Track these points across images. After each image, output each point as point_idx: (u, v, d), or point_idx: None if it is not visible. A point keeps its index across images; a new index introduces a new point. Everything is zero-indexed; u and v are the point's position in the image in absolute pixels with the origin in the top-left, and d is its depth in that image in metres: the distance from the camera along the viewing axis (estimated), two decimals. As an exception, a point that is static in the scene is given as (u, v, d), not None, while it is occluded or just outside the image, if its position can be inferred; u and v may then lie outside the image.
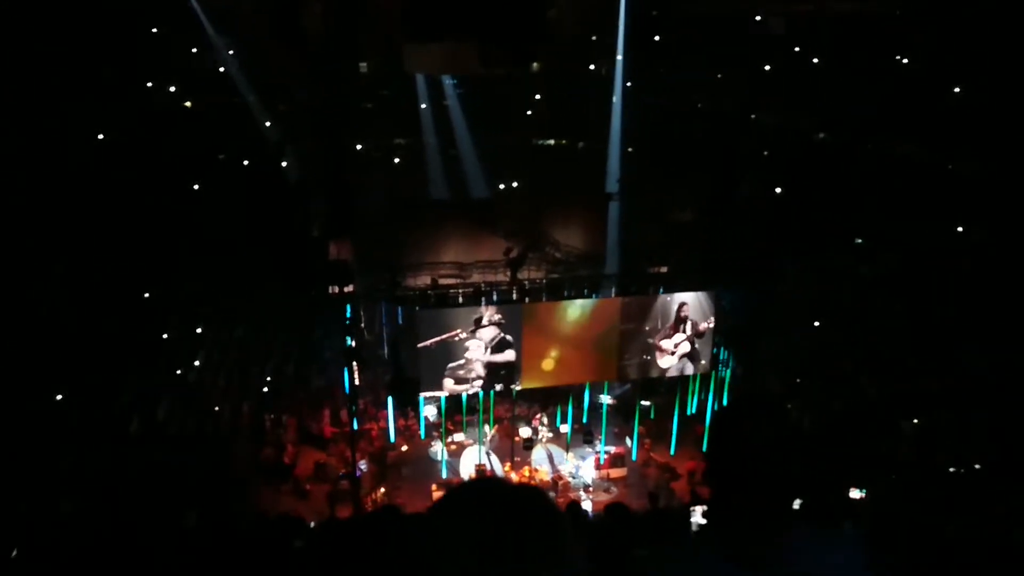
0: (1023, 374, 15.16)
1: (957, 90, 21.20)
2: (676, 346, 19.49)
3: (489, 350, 18.75)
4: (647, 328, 19.29)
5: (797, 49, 25.80)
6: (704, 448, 18.53)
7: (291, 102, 25.73)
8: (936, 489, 13.34)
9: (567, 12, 26.04)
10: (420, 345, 18.32)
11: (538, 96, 28.10)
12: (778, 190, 24.66)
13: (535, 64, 26.57)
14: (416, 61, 17.96)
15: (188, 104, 24.86)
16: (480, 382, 19.12)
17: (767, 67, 25.94)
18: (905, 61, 23.25)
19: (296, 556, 5.86)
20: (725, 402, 20.74)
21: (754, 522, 1.87)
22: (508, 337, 18.79)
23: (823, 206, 22.23)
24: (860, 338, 19.73)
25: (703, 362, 19.95)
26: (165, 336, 18.99)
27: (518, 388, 19.84)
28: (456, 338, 18.43)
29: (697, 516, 8.68)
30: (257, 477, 18.05)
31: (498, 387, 19.63)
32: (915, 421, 16.33)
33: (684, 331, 19.47)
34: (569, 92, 27.17)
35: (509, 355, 18.99)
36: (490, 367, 18.92)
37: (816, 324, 21.31)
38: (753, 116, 25.86)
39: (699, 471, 19.09)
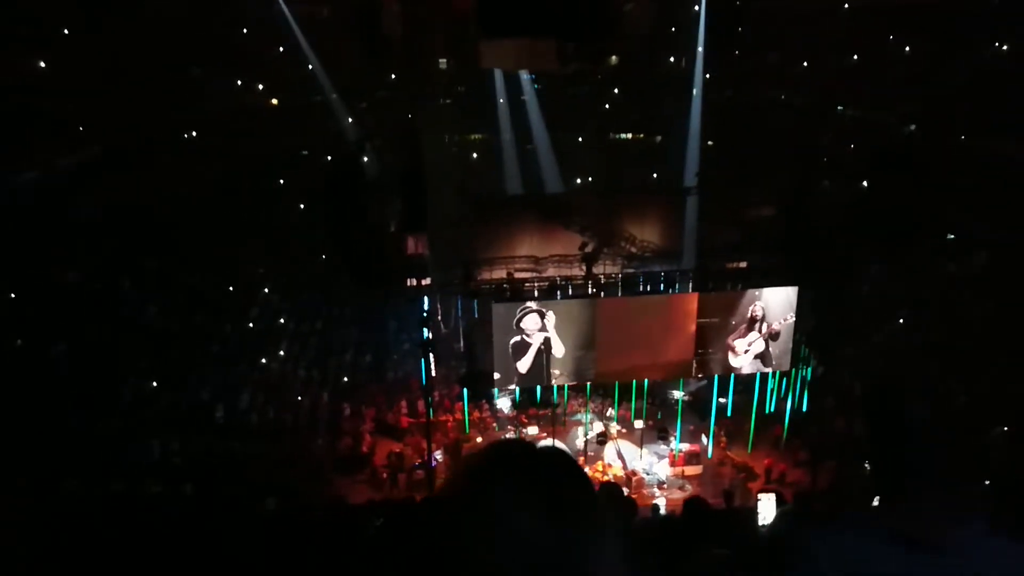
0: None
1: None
2: (749, 345, 19.10)
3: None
4: (732, 323, 19.01)
5: (887, 39, 24.92)
6: (782, 446, 17.98)
7: (371, 100, 26.29)
8: None
9: (645, 5, 25.77)
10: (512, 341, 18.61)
11: (616, 91, 27.93)
12: (863, 184, 23.86)
13: (613, 59, 26.43)
14: (492, 57, 17.99)
15: (274, 102, 25.71)
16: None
17: (854, 57, 25.14)
18: (1003, 49, 22.18)
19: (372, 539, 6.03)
20: (805, 401, 20.23)
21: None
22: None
23: (910, 202, 21.39)
24: (948, 339, 18.90)
25: (776, 364, 19.53)
26: (249, 327, 19.67)
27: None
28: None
29: (766, 507, 8.23)
30: (335, 466, 18.53)
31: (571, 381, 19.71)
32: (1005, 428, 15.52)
33: (758, 331, 19.06)
34: (647, 86, 26.92)
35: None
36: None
37: (902, 323, 20.54)
38: (839, 108, 25.09)
39: (776, 469, 18.69)
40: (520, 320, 18.57)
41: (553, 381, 19.46)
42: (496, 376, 19.10)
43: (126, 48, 19.33)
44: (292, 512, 10.48)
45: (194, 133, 23.19)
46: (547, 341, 18.82)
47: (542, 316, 18.63)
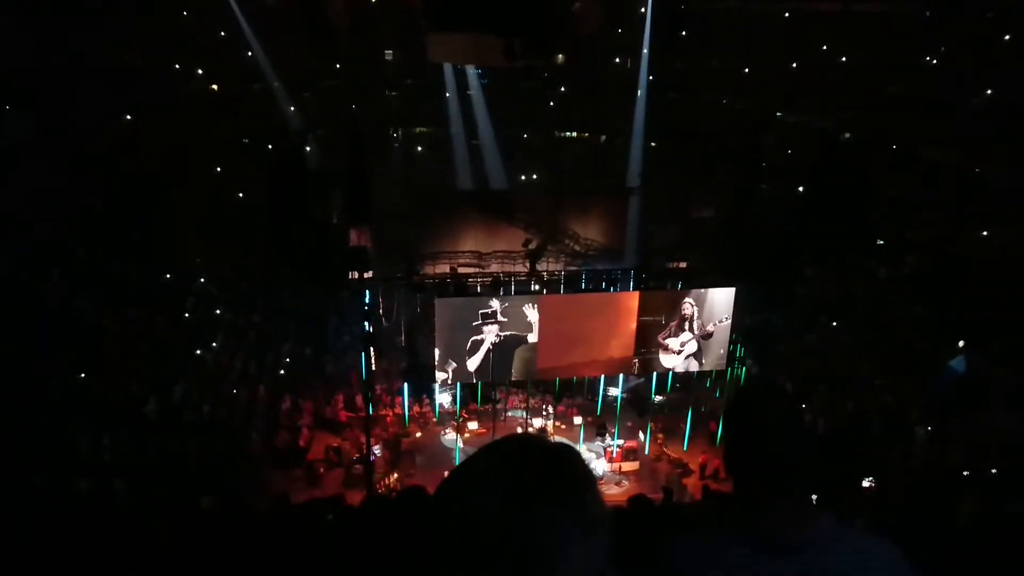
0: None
1: (988, 92, 21.00)
2: (683, 345, 19.39)
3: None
4: (671, 321, 19.29)
5: (824, 48, 25.63)
6: (718, 443, 18.56)
7: (315, 89, 25.90)
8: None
9: (592, 5, 25.94)
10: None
11: (562, 89, 28.07)
12: (800, 189, 24.52)
13: (559, 57, 26.54)
14: (440, 51, 17.93)
15: (214, 88, 25.10)
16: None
17: (794, 65, 25.78)
18: (934, 62, 23.02)
19: (326, 535, 5.95)
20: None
21: (784, 512, 1.90)
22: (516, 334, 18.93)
23: (845, 207, 22.09)
24: (877, 340, 19.59)
25: (713, 365, 19.92)
26: (184, 318, 19.20)
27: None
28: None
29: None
30: (271, 461, 18.21)
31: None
32: (928, 428, 16.19)
33: (692, 331, 19.33)
34: (593, 86, 27.13)
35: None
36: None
37: (834, 324, 21.19)
38: (778, 114, 25.70)
39: (711, 466, 19.08)
40: (483, 324, 18.53)
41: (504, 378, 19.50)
42: (439, 372, 19.02)
43: (58, 31, 18.65)
44: (231, 508, 10.29)
45: (129, 118, 22.50)
46: (504, 340, 18.83)
47: (501, 326, 18.63)
